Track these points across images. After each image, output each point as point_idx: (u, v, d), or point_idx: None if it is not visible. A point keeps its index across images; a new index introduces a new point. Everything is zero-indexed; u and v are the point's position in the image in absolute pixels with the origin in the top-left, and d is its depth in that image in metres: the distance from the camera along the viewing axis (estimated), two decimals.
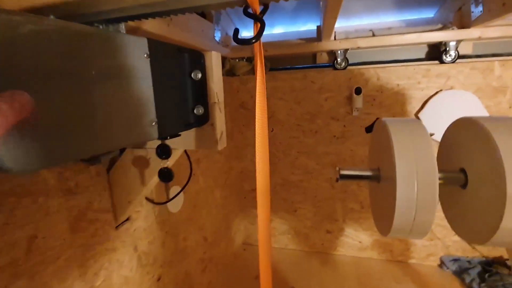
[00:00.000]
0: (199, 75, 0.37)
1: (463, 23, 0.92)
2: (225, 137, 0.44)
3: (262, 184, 0.29)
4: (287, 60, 1.12)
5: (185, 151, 0.66)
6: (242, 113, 1.16)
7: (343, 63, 1.03)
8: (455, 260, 1.02)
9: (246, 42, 0.25)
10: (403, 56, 1.02)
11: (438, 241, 1.05)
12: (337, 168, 0.36)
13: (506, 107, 0.91)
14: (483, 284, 0.89)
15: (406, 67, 0.97)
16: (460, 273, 0.96)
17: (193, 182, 0.85)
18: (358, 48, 0.99)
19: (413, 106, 0.98)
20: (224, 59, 1.08)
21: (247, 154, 1.21)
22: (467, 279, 0.93)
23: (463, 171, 0.28)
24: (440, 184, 0.26)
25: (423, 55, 1.02)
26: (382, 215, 0.32)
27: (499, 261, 1.00)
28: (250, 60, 1.11)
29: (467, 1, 0.88)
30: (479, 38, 0.90)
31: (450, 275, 1.00)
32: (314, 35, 1.03)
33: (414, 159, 0.26)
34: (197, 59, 0.38)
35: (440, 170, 0.27)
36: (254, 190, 1.24)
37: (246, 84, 1.13)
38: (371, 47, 1.01)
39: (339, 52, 1.01)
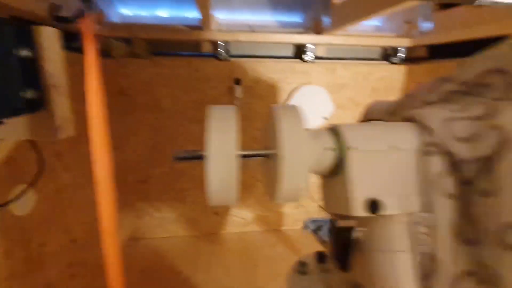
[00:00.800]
0: (26, 53, 0.32)
1: (319, 30, 1.12)
2: (70, 125, 0.41)
3: (101, 174, 0.29)
4: (171, 46, 1.08)
5: (33, 143, 0.56)
6: (120, 100, 1.06)
7: (225, 54, 1.08)
8: (314, 221, 1.28)
9: (64, 20, 0.23)
10: (276, 52, 1.16)
11: (302, 208, 1.29)
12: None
13: (345, 100, 1.18)
14: (329, 235, 1.16)
15: (278, 63, 1.11)
16: (316, 230, 1.22)
17: (51, 179, 0.74)
18: (239, 41, 1.07)
19: (283, 97, 1.14)
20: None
21: (130, 143, 1.12)
22: (320, 234, 1.19)
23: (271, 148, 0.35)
24: (262, 160, 0.34)
25: (291, 54, 1.19)
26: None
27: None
28: (128, 41, 1.02)
29: (321, 12, 1.08)
30: (330, 44, 1.12)
31: (310, 234, 1.25)
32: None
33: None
34: (24, 33, 0.33)
35: (258, 149, 0.34)
36: (140, 181, 1.17)
37: (125, 67, 1.03)
38: (250, 42, 1.10)
39: (221, 43, 1.06)
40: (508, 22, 0.75)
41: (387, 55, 1.24)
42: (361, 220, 0.37)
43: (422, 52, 1.21)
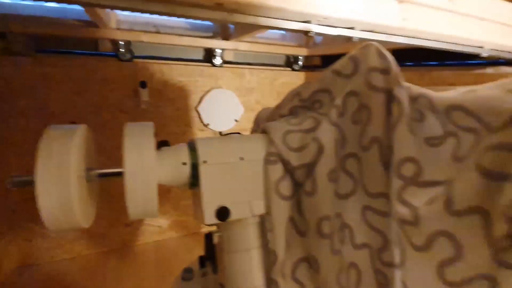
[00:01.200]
0: None
1: (226, 35, 1.17)
2: None
3: None
4: (62, 43, 0.96)
5: None
6: None
7: (128, 55, 1.02)
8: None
9: None
10: (185, 55, 1.15)
11: None
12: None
13: (254, 102, 1.26)
14: None
15: (186, 66, 1.11)
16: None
17: None
18: (142, 42, 1.02)
19: (194, 100, 1.14)
20: None
21: (8, 154, 0.95)
22: None
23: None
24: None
25: (201, 57, 1.20)
26: None
27: None
28: (3, 35, 0.86)
29: None
30: (236, 49, 1.18)
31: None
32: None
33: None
34: None
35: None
36: (26, 199, 1.00)
37: None
38: (155, 43, 1.06)
39: (121, 43, 0.99)
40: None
41: (290, 62, 1.37)
42: (218, 226, 0.40)
43: (317, 61, 1.38)
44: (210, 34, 1.21)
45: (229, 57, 1.22)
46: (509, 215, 0.24)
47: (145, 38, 1.01)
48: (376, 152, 0.34)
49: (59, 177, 0.28)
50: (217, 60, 1.16)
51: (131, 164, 0.31)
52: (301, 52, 1.30)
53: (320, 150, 0.35)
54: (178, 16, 0.30)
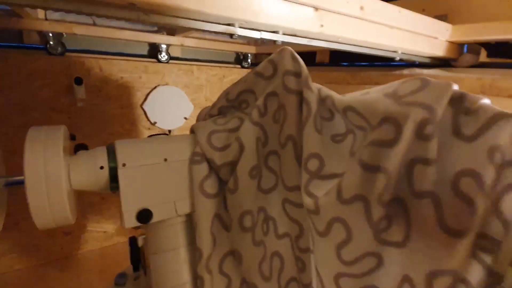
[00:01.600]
0: None
1: (172, 30, 1.13)
2: None
3: None
4: None
5: None
6: None
7: (59, 48, 0.93)
8: None
9: None
10: (127, 50, 1.09)
11: None
12: None
13: (203, 100, 1.25)
14: None
15: (128, 62, 1.05)
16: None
17: None
18: (75, 34, 0.94)
19: (138, 98, 1.09)
20: None
21: None
22: None
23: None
24: None
25: (145, 52, 1.14)
26: None
27: None
28: None
29: None
30: (182, 45, 1.15)
31: None
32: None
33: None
34: None
35: None
36: None
37: None
38: (92, 36, 0.99)
39: (50, 34, 0.90)
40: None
41: (240, 59, 1.38)
42: (143, 228, 0.40)
43: (264, 59, 1.41)
44: (155, 29, 1.16)
45: (176, 53, 1.19)
46: (382, 201, 0.28)
47: (78, 30, 0.93)
48: (291, 149, 0.36)
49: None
50: (163, 56, 1.13)
51: (32, 172, 0.29)
52: (250, 50, 1.32)
53: (241, 149, 0.37)
54: (88, 14, 0.28)
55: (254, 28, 0.37)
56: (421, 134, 0.26)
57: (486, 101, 0.27)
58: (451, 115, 0.27)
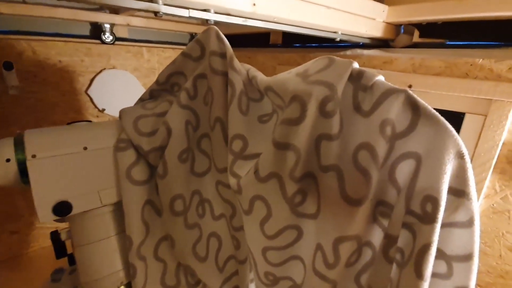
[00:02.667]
0: None
1: (116, 8, 1.04)
2: None
3: None
4: None
5: None
6: None
7: None
8: None
9: None
10: (66, 30, 0.99)
11: None
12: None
13: None
14: None
15: (66, 43, 0.96)
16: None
17: None
18: (1, 13, 0.83)
19: (82, 83, 1.01)
20: None
21: None
22: None
23: None
24: None
25: (87, 33, 1.05)
26: None
27: None
28: None
29: None
30: (128, 25, 1.07)
31: None
32: None
33: None
34: None
35: None
36: None
37: None
38: (21, 15, 0.88)
39: None
40: None
41: None
42: (67, 221, 0.39)
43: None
44: (96, 7, 1.06)
45: (122, 33, 1.10)
46: (294, 177, 0.30)
47: (5, 9, 0.82)
48: (219, 131, 0.37)
49: None
50: (108, 37, 1.04)
51: None
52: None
53: (169, 133, 0.37)
54: None
55: (182, 5, 0.36)
56: (323, 112, 0.28)
57: (380, 77, 0.29)
58: (351, 92, 0.29)
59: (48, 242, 1.08)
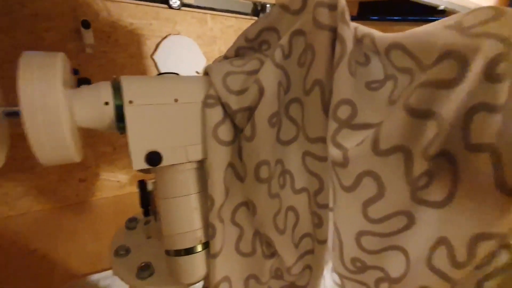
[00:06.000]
0: None
1: None
2: None
3: None
4: None
5: None
6: None
7: None
8: None
9: None
10: None
11: None
12: None
13: (217, 53, 1.18)
14: None
15: (137, 6, 0.98)
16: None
17: None
18: None
19: (149, 47, 1.04)
20: None
21: None
22: None
23: None
24: None
25: None
26: None
27: None
28: None
29: None
30: None
31: None
32: None
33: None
34: None
35: None
36: None
37: None
38: None
39: None
40: None
41: (257, 11, 1.27)
42: (154, 172, 0.38)
43: None
44: None
45: None
46: (428, 153, 0.25)
47: None
48: (317, 95, 0.32)
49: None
50: (175, 2, 1.04)
51: (28, 102, 0.27)
52: (269, 0, 1.20)
53: (261, 92, 0.33)
54: None
55: None
56: (491, 74, 0.21)
57: None
58: None
59: (109, 193, 1.18)
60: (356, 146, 0.28)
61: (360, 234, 0.31)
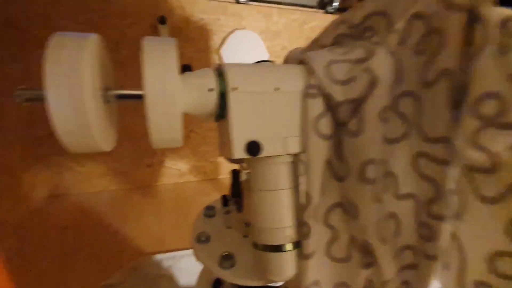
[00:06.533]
0: None
1: None
2: None
3: None
4: None
5: None
6: (9, 34, 0.85)
7: None
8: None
9: None
10: None
11: None
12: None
13: (279, 48, 1.16)
14: None
15: (208, 2, 1.01)
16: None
17: None
18: None
19: (215, 42, 1.06)
20: None
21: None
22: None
23: None
24: None
25: None
26: None
27: None
28: None
29: None
30: None
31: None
32: None
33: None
34: None
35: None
36: (51, 134, 1.03)
37: None
38: None
39: None
40: None
41: (324, 3, 1.21)
42: (247, 162, 0.37)
43: (352, 3, 1.21)
44: None
45: None
46: None
47: None
48: (444, 88, 0.28)
49: (72, 93, 0.25)
50: None
51: (152, 86, 0.27)
52: None
53: (373, 83, 0.30)
54: None
55: None
56: None
57: None
58: None
59: (170, 180, 1.27)
60: (510, 149, 0.24)
61: (498, 254, 0.26)
